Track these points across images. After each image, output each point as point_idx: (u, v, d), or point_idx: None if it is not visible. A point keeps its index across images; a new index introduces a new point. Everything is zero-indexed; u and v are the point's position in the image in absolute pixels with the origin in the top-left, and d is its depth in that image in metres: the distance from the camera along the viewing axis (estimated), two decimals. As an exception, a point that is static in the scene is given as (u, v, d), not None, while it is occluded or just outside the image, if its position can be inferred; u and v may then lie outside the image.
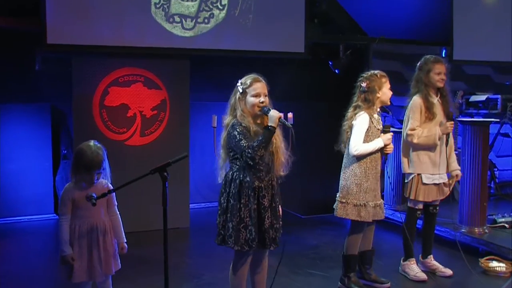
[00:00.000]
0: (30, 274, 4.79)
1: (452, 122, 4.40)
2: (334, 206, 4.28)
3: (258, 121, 3.43)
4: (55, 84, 6.30)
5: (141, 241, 5.55)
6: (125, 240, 3.49)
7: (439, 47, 7.44)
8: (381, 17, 7.01)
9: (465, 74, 7.71)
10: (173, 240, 5.15)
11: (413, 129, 4.44)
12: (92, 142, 3.36)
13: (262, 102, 3.36)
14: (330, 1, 7.02)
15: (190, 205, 6.56)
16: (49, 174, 6.80)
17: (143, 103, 6.11)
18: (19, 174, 6.62)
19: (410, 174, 4.58)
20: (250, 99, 3.37)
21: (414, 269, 4.62)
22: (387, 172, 4.40)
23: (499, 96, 6.50)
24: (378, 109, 4.24)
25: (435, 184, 4.51)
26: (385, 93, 4.17)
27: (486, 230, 5.37)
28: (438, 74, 4.44)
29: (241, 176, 3.36)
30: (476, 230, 5.33)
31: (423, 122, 4.46)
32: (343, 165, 4.26)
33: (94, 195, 3.12)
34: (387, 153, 4.23)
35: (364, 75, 4.24)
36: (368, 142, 4.14)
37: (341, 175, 4.26)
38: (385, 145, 4.16)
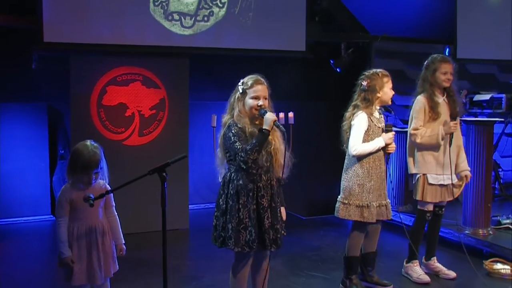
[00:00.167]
0: (27, 276, 4.76)
1: (456, 122, 4.35)
2: (336, 207, 4.22)
3: (257, 122, 3.40)
4: (52, 83, 6.27)
5: (139, 243, 5.51)
6: (124, 242, 3.46)
7: (442, 45, 7.44)
8: (383, 15, 6.98)
9: (469, 72, 7.68)
10: (172, 241, 5.14)
11: (416, 129, 4.42)
12: (88, 142, 3.32)
13: (260, 105, 3.34)
14: (331, -1, 7.00)
15: (189, 206, 6.54)
16: (46, 175, 6.77)
17: (141, 103, 6.08)
18: (15, 175, 6.59)
19: (416, 174, 4.53)
20: (249, 101, 3.35)
21: (417, 271, 4.58)
22: (389, 174, 4.33)
23: (503, 95, 6.46)
24: (378, 108, 4.19)
25: (441, 185, 4.45)
26: (386, 93, 4.12)
27: (491, 232, 5.34)
28: (445, 73, 4.39)
29: (238, 176, 3.34)
30: (480, 232, 5.30)
31: (427, 122, 4.43)
32: (344, 166, 4.22)
33: (91, 196, 3.09)
34: (389, 153, 4.17)
35: (366, 73, 4.20)
36: (369, 141, 4.09)
37: (342, 176, 4.21)
38: (387, 145, 4.09)
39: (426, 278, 4.52)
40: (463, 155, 4.57)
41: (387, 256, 5.16)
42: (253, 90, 3.34)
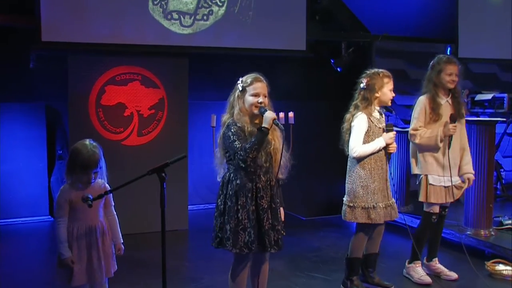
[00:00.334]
0: (26, 277, 4.74)
1: (455, 125, 4.31)
2: (342, 210, 4.19)
3: (256, 121, 3.39)
4: (50, 82, 6.26)
5: (138, 244, 5.49)
6: (122, 241, 3.44)
7: (443, 44, 7.42)
8: (384, 14, 6.97)
9: (471, 72, 7.66)
10: (171, 242, 5.10)
11: (415, 129, 4.40)
12: (87, 141, 3.29)
13: (261, 103, 3.33)
14: (331, -2, 6.98)
15: (188, 206, 6.52)
16: (44, 175, 6.75)
17: (140, 102, 6.05)
18: (13, 175, 6.56)
19: (419, 175, 4.51)
20: (249, 98, 3.34)
21: (419, 272, 4.56)
22: (390, 173, 4.30)
23: (505, 94, 6.46)
24: (378, 108, 4.16)
25: (443, 186, 4.42)
26: (385, 93, 4.09)
27: (492, 233, 5.31)
28: (449, 75, 4.36)
29: (237, 177, 3.33)
30: (482, 233, 5.27)
31: (428, 123, 4.41)
32: (347, 168, 4.20)
33: (90, 196, 3.07)
34: (390, 153, 4.14)
35: (368, 72, 4.18)
36: (369, 142, 4.07)
37: (346, 178, 4.19)
38: (388, 145, 4.05)
39: (428, 279, 4.49)
40: (467, 157, 4.53)
41: (388, 257, 5.13)
42: (252, 88, 3.33)
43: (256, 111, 3.33)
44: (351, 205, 4.10)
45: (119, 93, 5.94)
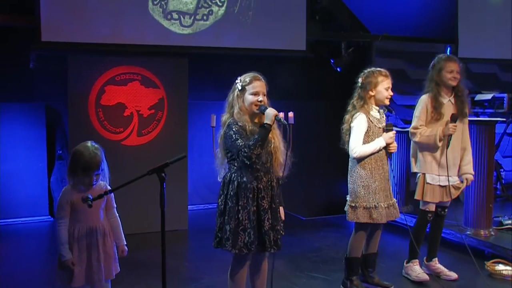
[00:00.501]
0: (25, 277, 4.73)
1: (455, 125, 4.30)
2: (345, 210, 4.20)
3: (256, 120, 3.40)
4: (50, 82, 6.26)
5: (138, 244, 5.47)
6: (125, 243, 3.43)
7: (443, 44, 7.41)
8: (384, 14, 6.97)
9: (471, 72, 7.64)
10: (171, 242, 5.11)
11: (416, 128, 4.40)
12: (89, 143, 3.29)
13: (261, 101, 3.33)
14: (331, -2, 6.97)
15: (188, 206, 6.50)
16: (44, 175, 6.74)
17: (140, 102, 6.05)
18: (13, 175, 6.56)
19: (417, 173, 4.53)
20: (249, 97, 3.34)
21: (416, 270, 4.57)
22: (392, 171, 4.30)
23: (505, 94, 6.46)
24: (377, 107, 4.14)
25: (440, 185, 4.42)
26: (380, 92, 4.07)
27: (492, 233, 5.31)
28: (450, 72, 4.36)
29: (238, 177, 3.32)
30: (482, 233, 5.27)
31: (429, 122, 4.41)
32: (348, 168, 4.20)
33: (90, 196, 3.06)
34: (391, 152, 4.14)
35: (365, 71, 4.18)
36: (369, 142, 4.06)
37: (348, 178, 4.19)
38: (388, 144, 4.05)
39: (425, 277, 4.50)
40: (467, 158, 4.53)
41: (388, 257, 5.13)
42: (252, 86, 3.34)
43: (256, 109, 3.34)
44: (353, 205, 4.10)
45: (119, 93, 5.93)
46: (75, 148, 3.26)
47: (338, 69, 6.87)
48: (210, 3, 6.08)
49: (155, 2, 5.86)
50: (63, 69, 5.79)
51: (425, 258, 4.71)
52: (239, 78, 3.41)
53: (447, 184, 4.41)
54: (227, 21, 6.17)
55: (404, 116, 6.31)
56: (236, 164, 3.33)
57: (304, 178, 6.66)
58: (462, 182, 4.52)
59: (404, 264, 4.65)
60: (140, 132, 6.07)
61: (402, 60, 7.15)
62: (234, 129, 3.28)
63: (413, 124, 4.43)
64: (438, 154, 4.40)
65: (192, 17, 6.03)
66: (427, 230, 4.68)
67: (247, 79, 3.37)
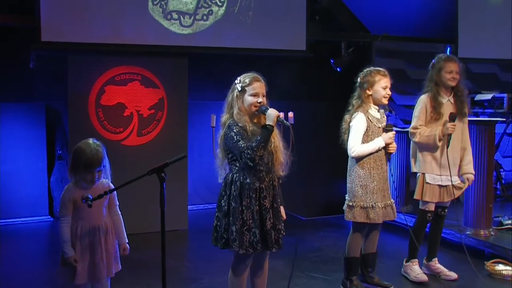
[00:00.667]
0: (25, 277, 4.73)
1: (454, 124, 4.30)
2: (344, 209, 4.21)
3: (255, 120, 3.40)
4: (50, 82, 6.26)
5: (138, 244, 5.46)
6: (127, 241, 3.44)
7: (443, 44, 7.40)
8: (384, 14, 6.96)
9: (471, 72, 7.64)
10: (171, 242, 5.10)
11: (415, 128, 4.41)
12: (91, 140, 3.29)
13: (260, 102, 3.33)
14: (331, -2, 6.97)
15: (188, 206, 6.50)
16: (44, 175, 6.73)
17: (140, 102, 6.04)
18: (13, 175, 6.54)
19: (417, 173, 4.53)
20: (248, 98, 3.34)
21: (415, 270, 4.57)
22: (391, 172, 4.30)
23: (505, 95, 6.46)
24: (377, 107, 4.14)
25: (440, 185, 4.42)
26: (377, 91, 4.06)
27: (492, 233, 5.31)
28: (450, 72, 4.36)
29: (241, 177, 3.32)
30: (482, 233, 5.27)
31: (429, 122, 4.41)
32: (348, 168, 4.20)
33: (90, 196, 3.06)
34: (390, 153, 4.14)
35: (364, 70, 4.18)
36: (368, 142, 4.06)
37: (347, 178, 4.19)
38: (387, 144, 4.05)
39: (424, 277, 4.50)
40: (468, 158, 4.53)
41: (387, 256, 5.13)
42: (251, 88, 3.33)
43: (255, 111, 3.33)
44: (350, 204, 4.11)
45: (118, 93, 5.93)
46: (77, 146, 3.26)
47: (338, 69, 6.87)
48: (210, 3, 6.08)
49: (155, 2, 5.85)
50: (63, 69, 5.78)
51: (425, 258, 4.70)
52: (238, 79, 3.40)
53: (447, 184, 4.42)
54: (227, 21, 6.16)
55: (404, 116, 6.32)
56: (238, 164, 3.33)
57: (304, 178, 6.65)
58: (463, 182, 4.51)
59: (404, 263, 4.66)
60: (140, 132, 6.06)
61: (402, 60, 7.14)
62: (235, 130, 3.27)
63: (413, 124, 4.43)
64: (438, 154, 4.40)
65: (192, 17, 6.02)
66: (427, 230, 4.69)
67: (247, 80, 3.35)
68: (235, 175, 3.33)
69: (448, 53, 7.16)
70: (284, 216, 3.51)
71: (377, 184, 4.06)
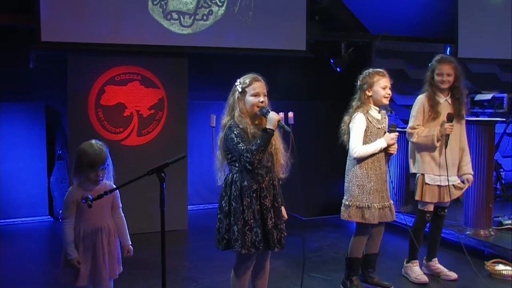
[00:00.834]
0: (25, 277, 4.73)
1: (452, 124, 4.30)
2: (341, 209, 4.20)
3: (256, 122, 3.38)
4: (50, 82, 6.26)
5: (138, 244, 5.39)
6: (130, 243, 3.45)
7: (443, 44, 7.40)
8: (383, 14, 6.95)
9: (470, 72, 7.63)
10: (171, 242, 5.08)
11: (413, 128, 4.41)
12: (93, 141, 3.31)
13: (262, 102, 3.32)
14: (331, -2, 6.96)
15: (188, 206, 6.49)
16: (44, 175, 6.72)
17: (140, 102, 6.03)
18: (13, 175, 6.54)
19: (416, 174, 4.53)
20: (249, 99, 3.32)
21: (416, 271, 4.56)
22: (390, 175, 4.29)
23: (505, 95, 6.46)
24: (378, 108, 4.14)
25: (439, 186, 4.42)
26: (377, 92, 4.06)
27: (492, 233, 5.31)
28: (440, 75, 4.37)
29: (241, 178, 3.31)
30: (482, 233, 5.27)
31: (427, 121, 4.41)
32: (346, 167, 4.20)
33: (90, 196, 3.06)
34: (391, 154, 4.13)
35: (364, 71, 4.19)
36: (367, 142, 4.06)
37: (345, 177, 4.20)
38: (389, 145, 4.05)
39: (424, 278, 4.50)
40: (466, 158, 4.52)
41: (388, 257, 5.12)
42: (252, 88, 3.32)
43: (257, 111, 3.32)
44: (346, 203, 4.12)
45: (118, 93, 5.92)
46: (79, 147, 3.27)
47: (338, 69, 6.85)
48: (210, 3, 6.08)
49: (155, 2, 5.85)
50: (63, 69, 5.78)
51: (425, 258, 4.70)
52: (238, 80, 3.39)
53: (446, 184, 4.41)
54: (227, 21, 6.16)
55: (404, 116, 6.30)
56: (237, 165, 3.32)
57: (303, 178, 6.60)
58: (462, 182, 4.51)
59: (404, 263, 4.66)
60: (140, 132, 6.06)
61: (402, 60, 7.14)
62: (235, 132, 3.26)
63: (410, 124, 4.44)
64: (436, 154, 4.40)
65: (192, 17, 6.02)
66: (427, 230, 4.68)
67: (247, 81, 3.34)
68: (235, 176, 3.33)
69: (448, 53, 7.18)
70: (286, 216, 3.50)
71: (374, 184, 4.06)
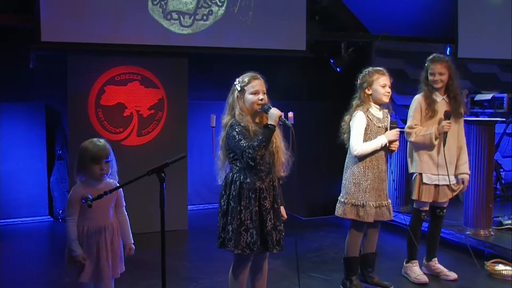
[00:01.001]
0: (25, 277, 4.73)
1: (449, 122, 4.29)
2: (336, 206, 4.21)
3: (257, 120, 3.39)
4: (50, 82, 6.27)
5: (138, 244, 5.41)
6: (133, 242, 3.46)
7: (443, 44, 7.39)
8: (383, 14, 6.95)
9: (470, 72, 7.64)
10: (171, 242, 5.09)
11: (411, 127, 4.42)
12: (95, 139, 3.33)
13: (262, 100, 3.33)
14: (331, -2, 6.96)
15: (188, 206, 6.49)
16: (44, 175, 6.72)
17: (140, 102, 6.03)
18: (13, 175, 6.53)
19: (413, 174, 4.53)
20: (249, 97, 3.34)
21: (415, 271, 4.56)
22: (392, 172, 4.30)
23: (505, 95, 6.46)
24: (378, 107, 4.15)
25: (437, 185, 4.42)
26: (376, 90, 4.07)
27: (492, 233, 5.31)
28: (432, 74, 4.39)
29: (241, 177, 3.32)
30: (482, 233, 5.27)
31: (425, 121, 4.42)
32: (345, 165, 4.22)
33: (90, 196, 3.06)
34: (392, 151, 4.13)
35: (363, 70, 4.20)
36: (367, 140, 4.07)
37: (343, 174, 4.21)
38: (390, 142, 4.05)
39: (424, 278, 4.50)
40: (464, 157, 4.52)
41: (387, 257, 5.13)
42: (251, 86, 3.33)
43: (258, 109, 3.33)
44: (342, 200, 4.14)
45: (118, 93, 5.92)
46: (81, 145, 3.28)
47: (338, 69, 6.85)
48: (210, 3, 6.08)
49: (155, 2, 5.85)
50: (63, 69, 5.78)
51: (424, 258, 4.70)
52: (237, 80, 3.40)
53: (444, 183, 4.42)
54: (227, 21, 6.16)
55: (404, 116, 6.28)
56: (238, 164, 3.33)
57: (303, 178, 6.65)
58: (458, 183, 4.50)
59: (404, 263, 4.66)
60: (140, 132, 6.06)
61: (402, 60, 7.14)
62: (237, 130, 3.27)
63: (408, 123, 4.44)
64: (434, 153, 4.40)
65: (192, 17, 6.02)
66: (426, 230, 4.69)
67: (246, 79, 3.36)
68: (235, 175, 3.33)
69: (448, 53, 7.18)
70: (285, 216, 3.51)
71: (371, 183, 4.07)
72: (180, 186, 6.21)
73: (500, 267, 4.68)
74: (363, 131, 4.04)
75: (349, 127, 4.11)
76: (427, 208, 4.51)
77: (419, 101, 4.42)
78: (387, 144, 4.08)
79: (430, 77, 4.39)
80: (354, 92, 4.21)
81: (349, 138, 4.11)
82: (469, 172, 4.55)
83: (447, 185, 4.44)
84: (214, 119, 5.58)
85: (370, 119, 4.06)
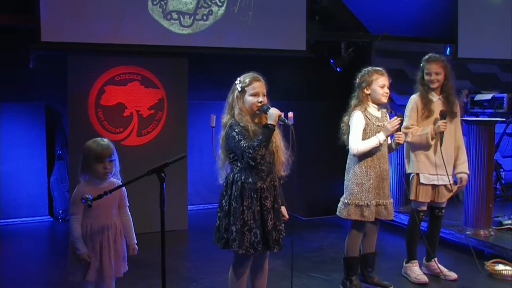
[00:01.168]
0: (25, 277, 4.73)
1: (445, 121, 4.29)
2: (338, 207, 4.22)
3: (256, 120, 3.40)
4: (50, 82, 6.26)
5: (138, 244, 5.42)
6: (136, 241, 3.47)
7: (443, 44, 7.38)
8: (383, 14, 6.95)
9: (470, 72, 7.63)
10: (171, 242, 5.09)
11: (407, 127, 4.41)
12: (98, 138, 3.35)
13: (261, 102, 3.33)
14: (331, -2, 6.96)
15: (188, 206, 6.49)
16: (44, 175, 6.71)
17: (140, 102, 6.03)
18: (13, 175, 6.53)
19: (411, 174, 4.53)
20: (249, 98, 3.34)
21: (415, 271, 4.56)
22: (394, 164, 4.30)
23: (505, 95, 6.45)
24: (376, 106, 4.14)
25: (434, 185, 4.42)
26: (375, 90, 4.07)
27: (492, 233, 5.31)
28: (428, 74, 4.39)
29: (242, 177, 3.32)
30: (482, 233, 5.27)
31: (421, 121, 4.42)
32: (346, 166, 4.21)
33: (90, 196, 3.07)
34: (398, 143, 4.09)
35: (362, 70, 4.20)
36: (366, 139, 4.06)
37: (345, 175, 4.21)
38: (392, 133, 4.01)
39: (424, 278, 4.50)
40: (462, 157, 4.52)
41: (387, 256, 5.14)
42: (251, 87, 3.33)
43: (257, 110, 3.33)
44: (345, 201, 4.13)
45: (118, 93, 5.92)
46: (84, 145, 3.30)
47: (338, 69, 6.86)
48: (210, 3, 6.08)
49: (155, 2, 5.85)
50: (63, 69, 5.78)
51: (424, 258, 4.71)
52: (238, 79, 3.40)
53: (442, 183, 4.42)
54: (227, 21, 6.15)
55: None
56: (239, 164, 3.33)
57: (304, 178, 6.64)
58: (456, 182, 4.50)
59: (404, 264, 4.66)
60: (140, 132, 6.06)
61: (401, 60, 7.13)
62: (236, 130, 3.27)
63: (404, 124, 4.43)
64: (431, 153, 4.40)
65: (192, 17, 6.02)
66: (425, 230, 4.69)
67: (247, 80, 3.36)
68: (236, 175, 3.33)
69: (448, 53, 7.17)
70: (287, 216, 3.52)
71: (373, 182, 4.07)
72: (180, 186, 6.22)
73: (500, 267, 4.68)
74: (361, 130, 4.04)
75: (349, 128, 4.11)
76: (425, 208, 4.52)
77: (416, 101, 4.42)
78: (392, 139, 4.07)
79: (426, 77, 4.39)
80: (353, 91, 4.22)
81: (348, 139, 4.12)
82: (468, 171, 4.55)
83: (444, 185, 4.44)
84: (214, 119, 5.58)
85: (368, 119, 4.06)
